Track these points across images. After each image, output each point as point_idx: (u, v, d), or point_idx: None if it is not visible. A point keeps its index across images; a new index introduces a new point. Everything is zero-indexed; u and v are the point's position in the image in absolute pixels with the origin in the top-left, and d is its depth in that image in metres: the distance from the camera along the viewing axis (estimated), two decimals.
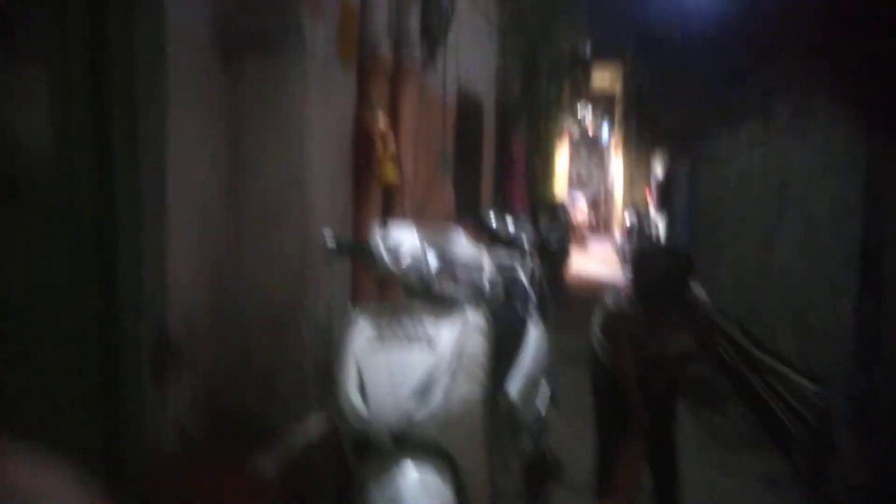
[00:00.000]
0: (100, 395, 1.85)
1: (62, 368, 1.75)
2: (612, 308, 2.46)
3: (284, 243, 2.30)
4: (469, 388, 1.93)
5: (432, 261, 2.05)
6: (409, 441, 1.84)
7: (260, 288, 2.32)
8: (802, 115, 3.65)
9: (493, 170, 6.10)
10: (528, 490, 2.57)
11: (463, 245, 2.22)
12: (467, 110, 4.98)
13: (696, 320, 2.47)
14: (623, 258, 11.85)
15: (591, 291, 9.72)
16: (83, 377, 1.81)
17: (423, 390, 1.87)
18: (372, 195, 2.76)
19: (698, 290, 2.50)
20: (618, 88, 16.77)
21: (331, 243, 2.06)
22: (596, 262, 13.16)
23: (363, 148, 2.63)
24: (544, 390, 3.08)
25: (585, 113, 15.69)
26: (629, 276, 2.53)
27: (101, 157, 1.80)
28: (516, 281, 3.23)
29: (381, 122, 2.68)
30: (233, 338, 2.32)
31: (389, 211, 2.92)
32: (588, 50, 11.73)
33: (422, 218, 3.31)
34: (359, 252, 2.13)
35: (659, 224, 11.19)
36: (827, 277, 3.14)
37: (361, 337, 2.01)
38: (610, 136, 18.79)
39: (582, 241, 15.19)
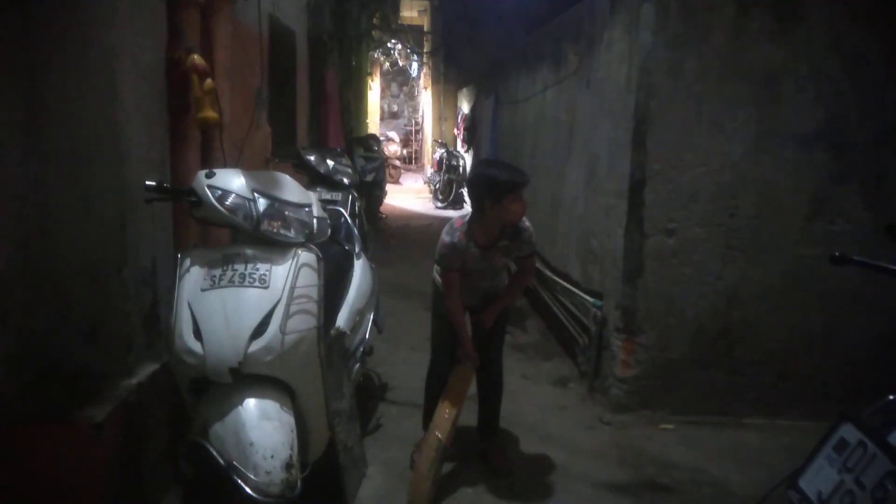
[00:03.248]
0: None
1: None
2: (447, 240, 2.66)
3: (99, 188, 2.21)
4: (302, 321, 2.07)
5: (260, 201, 2.12)
6: (247, 374, 1.95)
7: (75, 236, 2.22)
8: (585, 63, 4.13)
9: (308, 104, 6.03)
10: (359, 408, 2.81)
11: (289, 185, 2.30)
12: (280, 43, 4.86)
13: (522, 242, 2.76)
14: (433, 190, 12.38)
15: (405, 222, 10.13)
16: None
17: (259, 326, 1.98)
18: (191, 135, 2.70)
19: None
20: (426, 21, 16.98)
21: (150, 186, 2.03)
22: (408, 195, 13.59)
23: (179, 84, 2.55)
24: (369, 318, 3.32)
25: (396, 44, 15.68)
26: (472, 187, 2.70)
27: None
28: (340, 216, 3.36)
29: (196, 55, 2.59)
30: (48, 290, 2.22)
31: (209, 151, 2.87)
32: None
33: (241, 157, 3.29)
34: (183, 195, 2.12)
35: (465, 158, 11.81)
36: (604, 207, 3.68)
37: (192, 281, 2.04)
38: (420, 69, 19.02)
39: (395, 175, 15.52)
